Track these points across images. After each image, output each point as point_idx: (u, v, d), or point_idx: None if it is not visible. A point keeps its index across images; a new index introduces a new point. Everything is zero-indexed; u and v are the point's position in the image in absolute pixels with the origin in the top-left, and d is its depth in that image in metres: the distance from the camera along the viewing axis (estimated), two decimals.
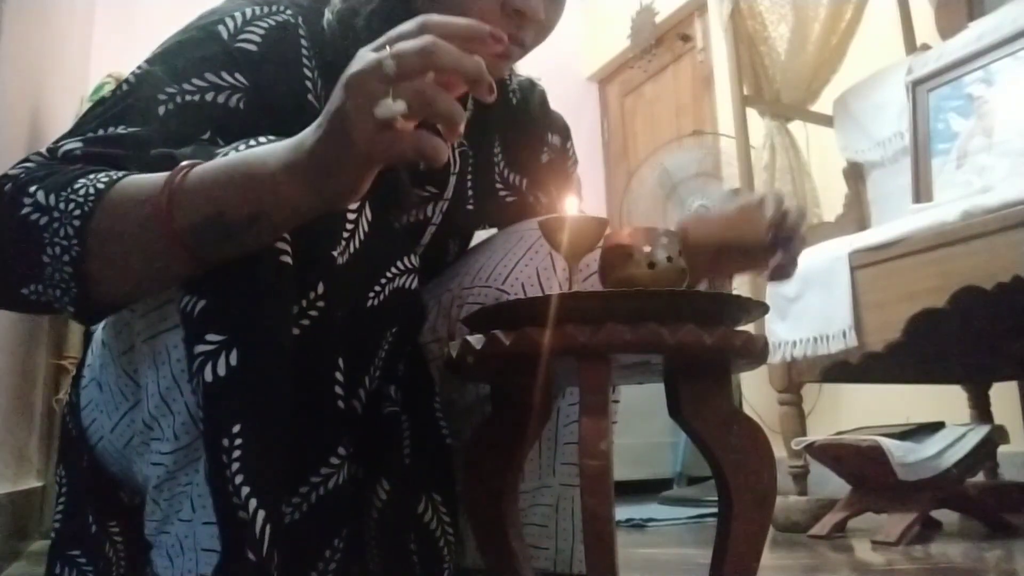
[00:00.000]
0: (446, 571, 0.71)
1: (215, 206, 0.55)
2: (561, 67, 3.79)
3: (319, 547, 0.61)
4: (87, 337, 0.77)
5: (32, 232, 0.59)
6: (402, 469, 0.71)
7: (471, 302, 0.83)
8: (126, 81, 0.70)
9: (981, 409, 1.98)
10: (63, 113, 2.05)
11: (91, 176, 0.60)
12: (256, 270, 0.57)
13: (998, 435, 1.62)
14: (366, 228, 0.65)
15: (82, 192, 0.59)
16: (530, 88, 0.95)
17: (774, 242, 0.75)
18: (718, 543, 0.64)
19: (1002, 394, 2.01)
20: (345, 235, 0.63)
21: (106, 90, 1.96)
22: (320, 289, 0.61)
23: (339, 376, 0.62)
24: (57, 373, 1.90)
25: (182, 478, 0.61)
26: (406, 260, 0.70)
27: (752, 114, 2.09)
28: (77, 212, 0.58)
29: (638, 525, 1.89)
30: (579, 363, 0.60)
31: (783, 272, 0.77)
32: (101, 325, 0.72)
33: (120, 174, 0.60)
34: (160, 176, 0.57)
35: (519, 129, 0.92)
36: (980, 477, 1.84)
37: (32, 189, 0.60)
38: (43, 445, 1.89)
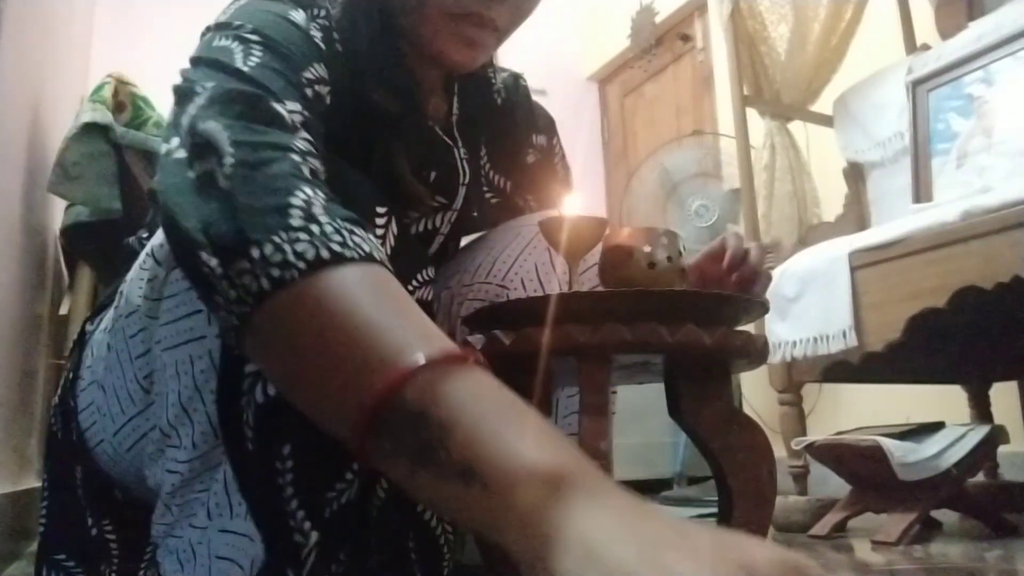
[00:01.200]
0: (446, 569, 0.71)
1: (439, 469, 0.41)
2: (561, 67, 3.79)
3: (327, 563, 0.61)
4: (80, 339, 0.76)
5: (280, 215, 0.48)
6: None
7: (471, 299, 0.83)
8: (249, 45, 0.61)
9: (981, 409, 1.98)
10: (63, 113, 2.05)
11: (366, 235, 0.50)
12: None
13: (998, 435, 1.62)
14: (392, 242, 0.64)
15: (355, 239, 0.49)
16: (514, 86, 0.94)
17: (738, 283, 0.74)
18: None
19: (1002, 394, 2.01)
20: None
21: (106, 90, 1.96)
22: None
23: None
24: (57, 373, 1.90)
25: (197, 485, 0.61)
26: (425, 273, 0.69)
27: (752, 114, 2.09)
28: (332, 249, 0.48)
29: None
30: (579, 363, 0.60)
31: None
32: (101, 327, 0.72)
33: (382, 268, 0.49)
34: (404, 340, 0.44)
35: (504, 131, 0.92)
36: (980, 477, 1.83)
37: (304, 187, 0.51)
38: (43, 445, 1.89)
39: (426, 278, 0.69)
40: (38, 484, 1.79)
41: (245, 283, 0.47)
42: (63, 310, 1.97)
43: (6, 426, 1.46)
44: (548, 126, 0.99)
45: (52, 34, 1.97)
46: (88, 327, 0.76)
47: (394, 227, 0.64)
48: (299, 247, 0.47)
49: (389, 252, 0.63)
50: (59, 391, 0.77)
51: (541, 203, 0.95)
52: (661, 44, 3.68)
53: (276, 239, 0.47)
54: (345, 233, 0.49)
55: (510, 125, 0.92)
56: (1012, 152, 1.61)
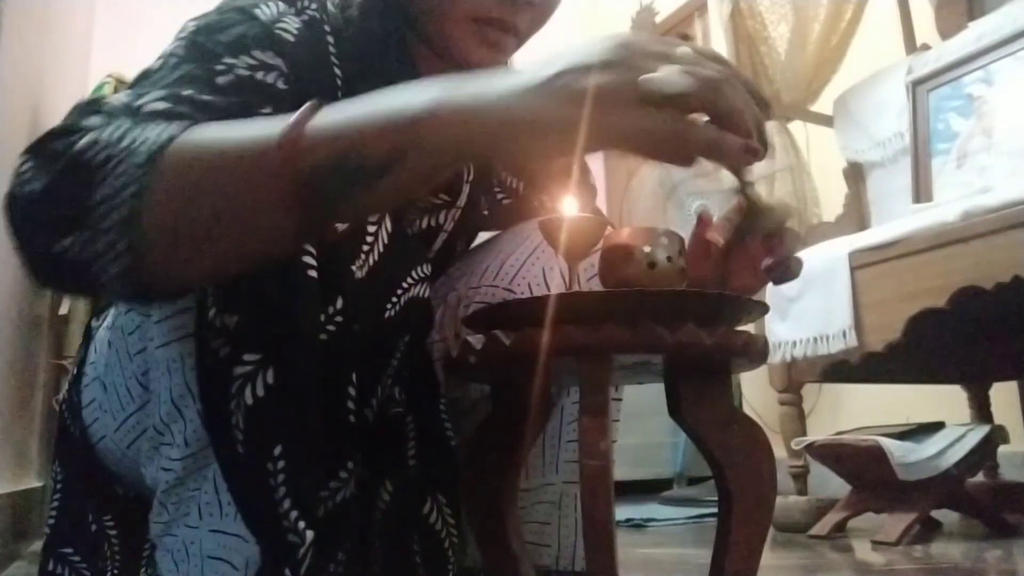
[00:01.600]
0: (450, 572, 0.71)
1: (349, 142, 0.47)
2: None
3: (324, 562, 0.61)
4: (86, 335, 0.77)
5: (82, 170, 0.48)
6: (406, 470, 0.71)
7: (478, 302, 0.83)
8: (172, 54, 0.63)
9: (981, 409, 1.98)
10: (63, 113, 2.05)
11: (162, 124, 0.51)
12: (286, 284, 0.56)
13: (998, 435, 1.62)
14: (385, 240, 0.64)
15: (158, 130, 0.50)
16: None
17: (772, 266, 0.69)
18: (718, 543, 0.64)
19: (1002, 394, 2.01)
20: (365, 248, 0.62)
21: (107, 90, 1.96)
22: (339, 304, 0.60)
23: (351, 390, 0.62)
24: (57, 373, 1.90)
25: (191, 484, 0.61)
26: (420, 269, 0.69)
27: None
28: (146, 146, 0.48)
29: (638, 525, 1.89)
30: (579, 363, 0.60)
31: (782, 271, 0.71)
32: (105, 324, 0.72)
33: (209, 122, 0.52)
34: (274, 118, 0.49)
35: None
36: (980, 477, 1.84)
37: (93, 124, 0.52)
38: (43, 445, 1.89)
39: (422, 274, 0.69)
40: (38, 484, 1.79)
41: (104, 219, 0.48)
42: (63, 310, 1.97)
43: (6, 426, 1.46)
44: None
45: (52, 34, 1.97)
46: (93, 323, 0.77)
47: (388, 224, 0.65)
48: (158, 131, 0.50)
49: (382, 250, 0.64)
50: (67, 387, 0.78)
51: (554, 203, 0.95)
52: None
53: (98, 178, 0.49)
54: (150, 129, 0.50)
55: None
56: (1012, 152, 1.61)
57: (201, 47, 0.64)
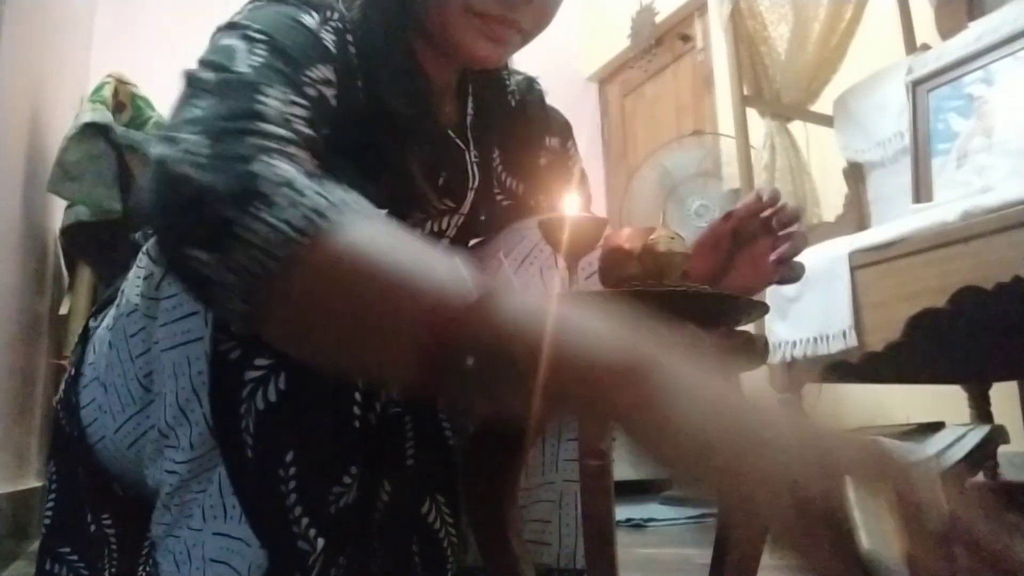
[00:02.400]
0: (449, 572, 0.71)
1: (522, 347, 0.41)
2: (561, 67, 3.79)
3: (327, 567, 0.61)
4: (84, 335, 0.77)
5: (250, 202, 0.45)
6: (405, 470, 0.71)
7: None
8: (253, 52, 0.59)
9: (981, 409, 1.98)
10: (63, 113, 2.05)
11: (353, 193, 0.49)
12: None
13: (998, 435, 1.62)
14: None
15: (347, 198, 0.47)
16: (528, 89, 0.95)
17: (780, 240, 0.73)
18: (718, 543, 0.64)
19: (1002, 394, 2.01)
20: None
21: (106, 90, 1.96)
22: None
23: (358, 395, 0.62)
24: (57, 373, 1.90)
25: (194, 486, 0.61)
26: None
27: (752, 114, 2.09)
28: (328, 214, 0.45)
29: (638, 525, 1.89)
30: None
31: (787, 270, 0.74)
32: (104, 324, 0.72)
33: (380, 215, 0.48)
34: (450, 269, 0.44)
35: (518, 133, 0.92)
36: (980, 477, 1.83)
37: (273, 157, 0.49)
38: (43, 445, 1.89)
39: None
40: (38, 484, 1.79)
41: (246, 265, 0.44)
42: (63, 310, 1.97)
43: (6, 426, 1.46)
44: (563, 129, 0.98)
45: (52, 34, 1.97)
46: (91, 323, 0.77)
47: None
48: (294, 220, 0.45)
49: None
50: (63, 386, 0.77)
51: (552, 204, 0.95)
52: (661, 44, 3.68)
53: (266, 217, 0.45)
54: (330, 196, 0.47)
55: (523, 128, 0.92)
56: (1012, 152, 1.61)
57: (283, 52, 0.61)
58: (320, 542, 0.56)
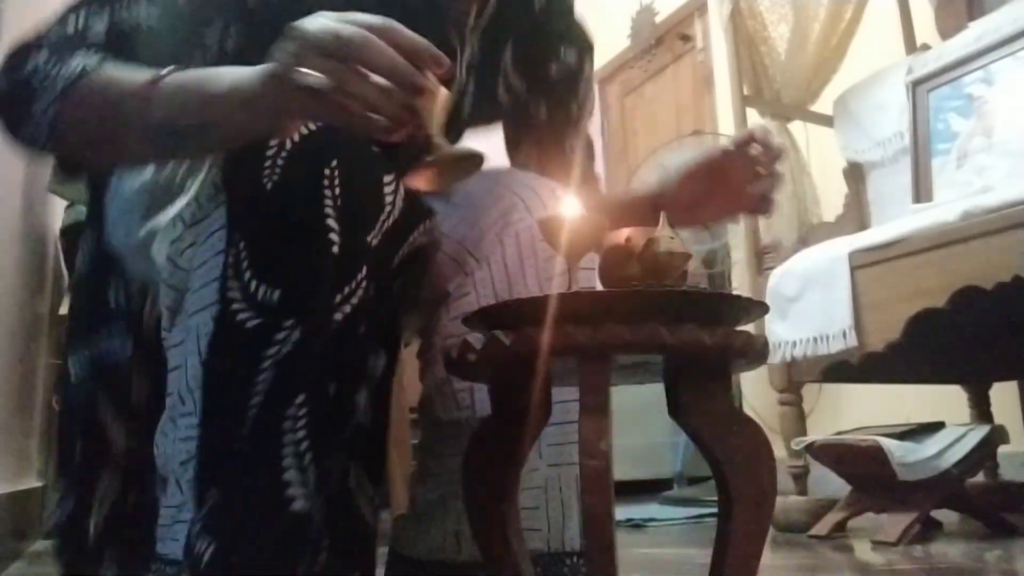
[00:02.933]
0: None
1: (179, 111, 0.64)
2: None
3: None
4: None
5: (25, 89, 0.70)
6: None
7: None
8: None
9: (981, 409, 1.98)
10: None
11: (87, 53, 0.70)
12: (312, 254, 0.61)
13: (998, 435, 1.62)
14: (399, 203, 0.68)
15: (74, 64, 0.69)
16: None
17: (759, 176, 0.83)
18: (718, 543, 0.64)
19: (1002, 394, 2.01)
20: (382, 216, 0.66)
21: None
22: (361, 274, 0.64)
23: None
24: (57, 373, 1.90)
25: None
26: (426, 223, 0.74)
27: (752, 114, 2.09)
28: (64, 79, 0.68)
29: (638, 525, 1.89)
30: (579, 363, 0.60)
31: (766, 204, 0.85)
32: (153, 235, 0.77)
33: (110, 61, 0.70)
34: (144, 74, 0.66)
35: (535, 35, 0.93)
36: (980, 477, 1.84)
37: (40, 50, 0.72)
38: (43, 445, 1.89)
39: (426, 228, 0.75)
40: (38, 484, 1.79)
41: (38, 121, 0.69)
42: (63, 310, 1.97)
43: (6, 426, 1.46)
44: (582, 45, 1.00)
45: None
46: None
47: (401, 191, 0.68)
48: (74, 65, 0.69)
49: (397, 216, 0.69)
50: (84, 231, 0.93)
51: (552, 119, 0.97)
52: (661, 44, 3.68)
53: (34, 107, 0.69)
54: (70, 64, 0.70)
55: (541, 30, 0.94)
56: (1012, 152, 1.61)
57: None
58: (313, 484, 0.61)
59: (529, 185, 0.85)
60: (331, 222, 0.61)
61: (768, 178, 0.84)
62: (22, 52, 0.73)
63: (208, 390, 0.62)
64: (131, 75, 0.67)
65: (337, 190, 0.61)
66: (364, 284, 0.65)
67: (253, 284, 0.61)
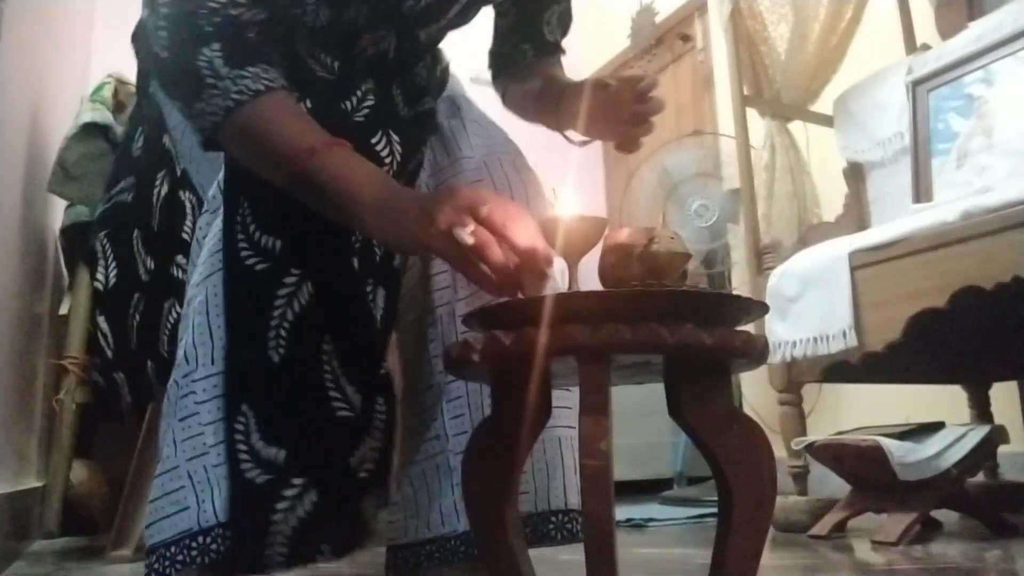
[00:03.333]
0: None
1: (324, 197, 0.74)
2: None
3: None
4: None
5: (197, 82, 0.77)
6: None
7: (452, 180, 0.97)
8: None
9: (981, 409, 1.98)
10: (63, 113, 2.05)
11: (260, 70, 0.78)
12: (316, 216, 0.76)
13: (998, 435, 1.61)
14: (398, 158, 0.84)
15: (246, 83, 0.76)
16: None
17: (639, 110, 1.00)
18: (718, 543, 0.64)
19: (1002, 394, 2.01)
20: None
21: (106, 91, 1.96)
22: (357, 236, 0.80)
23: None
24: (57, 373, 1.90)
25: (205, 416, 0.73)
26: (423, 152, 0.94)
27: (752, 114, 2.09)
28: (234, 97, 0.76)
29: (638, 525, 1.89)
30: (579, 363, 0.60)
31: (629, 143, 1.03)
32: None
33: (280, 85, 0.78)
34: (304, 135, 0.76)
35: None
36: (980, 477, 1.83)
37: (213, 47, 0.77)
38: (43, 445, 1.89)
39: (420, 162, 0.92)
40: (38, 484, 1.79)
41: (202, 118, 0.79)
42: (63, 310, 1.97)
43: (6, 426, 1.46)
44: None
45: (52, 34, 1.97)
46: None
47: (397, 149, 0.83)
48: (246, 84, 0.77)
49: (396, 167, 0.83)
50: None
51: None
52: (661, 44, 3.68)
53: (202, 106, 0.78)
54: (240, 81, 0.77)
55: None
56: (1012, 152, 1.61)
57: None
58: (359, 399, 0.77)
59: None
60: None
61: (640, 122, 1.02)
62: (186, 21, 0.77)
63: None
64: (291, 128, 0.76)
65: None
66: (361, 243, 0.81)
67: (257, 234, 0.76)
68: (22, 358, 1.63)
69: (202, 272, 0.78)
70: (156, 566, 0.71)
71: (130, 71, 2.07)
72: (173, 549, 0.71)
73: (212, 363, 0.74)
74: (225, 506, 0.71)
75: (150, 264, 1.02)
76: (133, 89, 1.98)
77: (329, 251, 0.78)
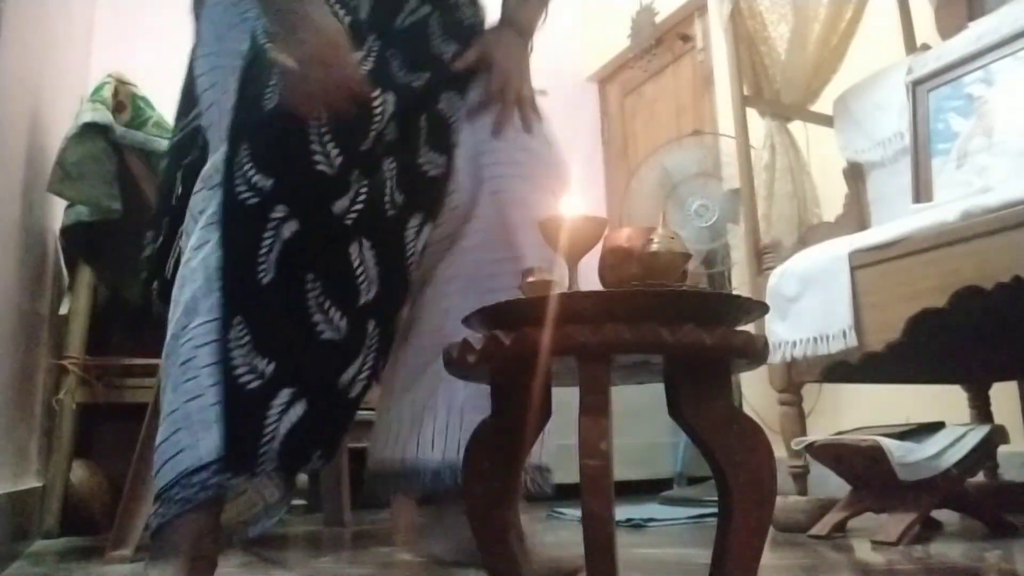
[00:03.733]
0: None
1: None
2: (561, 67, 3.79)
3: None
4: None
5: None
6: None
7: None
8: None
9: (981, 409, 1.98)
10: (63, 113, 2.05)
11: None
12: (308, 161, 0.84)
13: (998, 435, 1.61)
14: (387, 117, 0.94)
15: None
16: None
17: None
18: (718, 543, 0.64)
19: (1002, 394, 2.01)
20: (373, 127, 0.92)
21: (106, 91, 1.95)
22: (362, 191, 0.89)
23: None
24: (57, 373, 1.90)
25: (203, 359, 0.79)
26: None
27: (752, 114, 2.09)
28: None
29: (638, 525, 1.89)
30: (579, 363, 0.60)
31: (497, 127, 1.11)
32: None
33: None
34: None
35: None
36: (980, 477, 1.83)
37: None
38: (43, 445, 1.89)
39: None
40: (38, 484, 1.79)
41: None
42: (63, 310, 1.97)
43: (6, 426, 1.46)
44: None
45: (52, 34, 1.97)
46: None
47: (390, 101, 0.94)
48: None
49: (383, 127, 0.94)
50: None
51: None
52: (661, 44, 3.68)
53: None
54: None
55: None
56: (1012, 152, 1.61)
57: None
58: (345, 323, 0.86)
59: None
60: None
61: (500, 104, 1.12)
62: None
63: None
64: None
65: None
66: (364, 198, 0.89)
67: (251, 173, 0.83)
68: (22, 358, 1.63)
69: (200, 237, 0.86)
70: (161, 510, 0.75)
71: (130, 71, 2.07)
72: (175, 490, 0.75)
73: (211, 311, 0.81)
74: (220, 442, 0.77)
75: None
76: (133, 89, 1.98)
77: (313, 196, 0.85)
